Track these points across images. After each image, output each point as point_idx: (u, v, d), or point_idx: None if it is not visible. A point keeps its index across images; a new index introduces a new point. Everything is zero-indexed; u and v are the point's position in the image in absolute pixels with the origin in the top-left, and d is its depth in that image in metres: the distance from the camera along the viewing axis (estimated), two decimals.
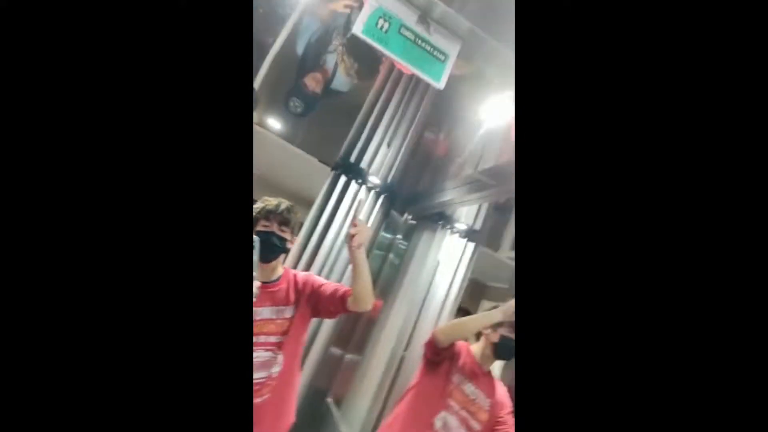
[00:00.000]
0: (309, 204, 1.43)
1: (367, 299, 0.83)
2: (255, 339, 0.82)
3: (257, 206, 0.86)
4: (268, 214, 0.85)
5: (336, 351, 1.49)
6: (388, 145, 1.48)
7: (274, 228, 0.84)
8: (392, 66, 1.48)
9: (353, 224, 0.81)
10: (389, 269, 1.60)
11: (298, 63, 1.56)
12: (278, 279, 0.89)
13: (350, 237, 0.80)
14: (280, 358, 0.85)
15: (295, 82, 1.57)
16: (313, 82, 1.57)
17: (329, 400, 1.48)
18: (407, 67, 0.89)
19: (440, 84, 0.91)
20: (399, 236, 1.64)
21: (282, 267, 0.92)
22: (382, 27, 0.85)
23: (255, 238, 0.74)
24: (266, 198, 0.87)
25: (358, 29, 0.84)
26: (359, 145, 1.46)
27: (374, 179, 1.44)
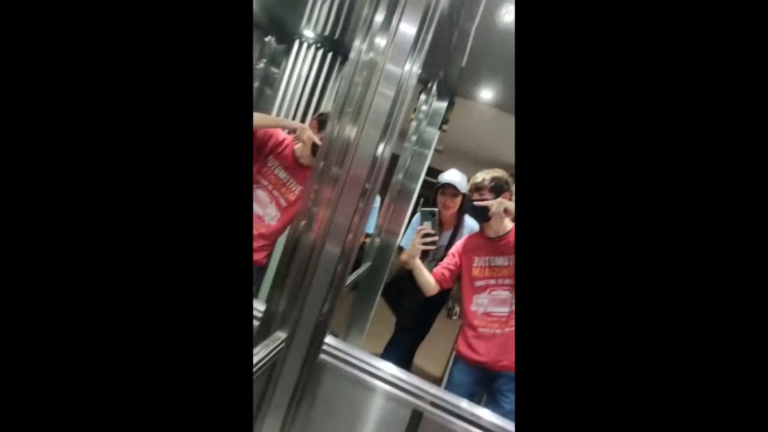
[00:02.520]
0: None
1: None
2: (495, 281, 1.17)
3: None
4: (473, 187, 1.18)
5: None
6: None
7: (475, 196, 1.16)
8: None
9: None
10: None
11: None
12: (507, 233, 1.18)
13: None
14: None
15: None
16: None
17: None
18: None
19: None
20: None
21: (511, 222, 1.19)
22: None
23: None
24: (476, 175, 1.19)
25: None
26: None
27: None
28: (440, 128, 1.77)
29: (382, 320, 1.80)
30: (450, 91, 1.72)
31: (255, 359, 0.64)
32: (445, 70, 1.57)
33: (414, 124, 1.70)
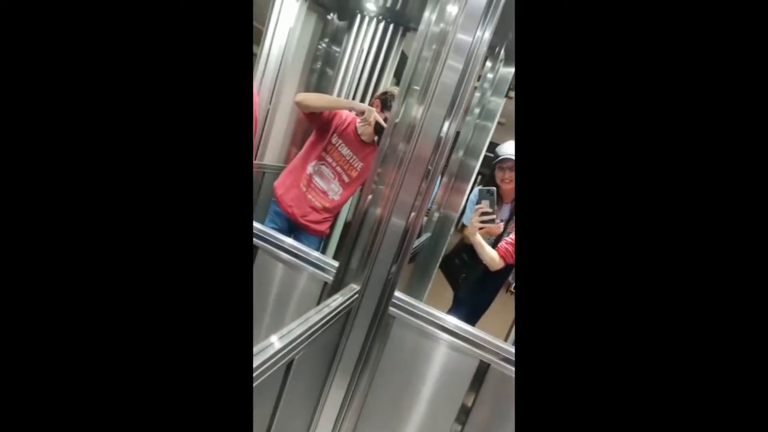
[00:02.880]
0: None
1: None
2: None
3: None
4: None
5: None
6: None
7: None
8: None
9: None
10: None
11: None
12: None
13: None
14: None
15: None
16: None
17: None
18: None
19: None
20: None
21: None
22: None
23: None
24: None
25: None
26: None
27: None
28: (506, 95, 1.66)
29: (439, 297, 1.84)
30: None
31: (334, 305, 0.73)
32: (514, 32, 1.44)
33: (478, 94, 1.62)
